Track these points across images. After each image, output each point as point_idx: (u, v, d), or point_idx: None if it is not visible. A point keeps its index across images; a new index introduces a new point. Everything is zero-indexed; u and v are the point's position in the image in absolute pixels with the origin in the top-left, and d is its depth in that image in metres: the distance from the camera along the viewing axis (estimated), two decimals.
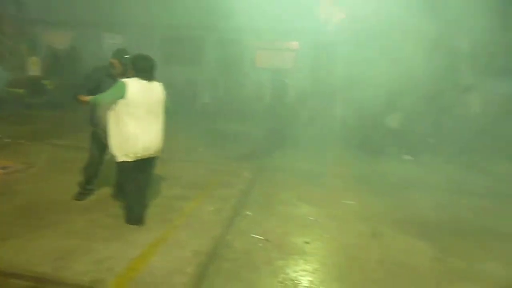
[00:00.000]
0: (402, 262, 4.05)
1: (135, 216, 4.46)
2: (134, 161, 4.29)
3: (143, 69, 4.26)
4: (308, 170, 7.40)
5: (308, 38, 14.92)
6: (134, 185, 4.44)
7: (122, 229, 4.29)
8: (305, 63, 15.02)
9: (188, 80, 14.75)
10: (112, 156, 4.33)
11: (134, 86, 4.16)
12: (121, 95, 4.11)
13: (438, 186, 7.11)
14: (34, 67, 14.43)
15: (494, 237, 4.89)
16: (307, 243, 4.35)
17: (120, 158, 4.26)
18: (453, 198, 6.41)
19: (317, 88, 13.53)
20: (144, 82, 4.24)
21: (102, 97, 4.18)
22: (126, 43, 14.91)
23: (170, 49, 15.65)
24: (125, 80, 4.19)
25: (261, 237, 4.35)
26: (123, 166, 4.31)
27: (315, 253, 4.13)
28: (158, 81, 4.42)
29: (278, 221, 4.90)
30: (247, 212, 5.08)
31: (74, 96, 4.57)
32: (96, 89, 4.57)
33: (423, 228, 4.99)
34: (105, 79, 4.71)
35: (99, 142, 4.85)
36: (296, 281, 3.57)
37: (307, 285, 3.54)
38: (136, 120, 4.19)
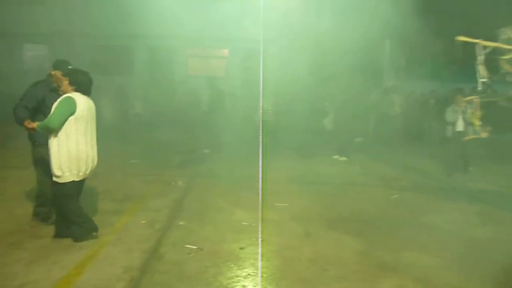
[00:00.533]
0: (332, 259, 4.21)
1: (88, 231, 4.28)
2: (79, 180, 4.13)
3: (84, 83, 4.11)
4: (243, 175, 7.47)
5: (238, 46, 15.09)
6: (76, 202, 4.25)
7: (47, 250, 4.07)
8: (236, 70, 15.16)
9: (118, 90, 14.30)
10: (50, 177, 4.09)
11: (80, 101, 4.00)
12: (72, 111, 3.92)
13: (366, 182, 7.50)
14: None
15: (416, 228, 5.23)
16: (241, 248, 4.38)
17: (68, 178, 4.04)
18: (379, 193, 6.79)
19: (249, 94, 13.69)
20: (85, 96, 4.11)
21: (54, 120, 3.87)
22: (51, 54, 14.17)
23: (99, 58, 15.09)
24: (71, 95, 3.99)
25: (194, 247, 4.32)
26: (69, 186, 4.08)
27: (249, 258, 4.17)
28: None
29: (213, 228, 4.90)
30: (181, 222, 5.02)
31: (18, 120, 4.20)
32: (39, 107, 4.25)
33: (353, 224, 5.22)
34: (48, 94, 4.36)
35: (44, 164, 4.31)
36: None
37: None
38: (83, 136, 4.04)
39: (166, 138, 10.50)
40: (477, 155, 9.09)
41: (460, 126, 8.04)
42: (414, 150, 10.96)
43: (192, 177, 7.17)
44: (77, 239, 4.25)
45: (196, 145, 9.76)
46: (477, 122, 6.80)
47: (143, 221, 4.99)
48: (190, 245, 4.36)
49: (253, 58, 14.80)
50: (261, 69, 14.37)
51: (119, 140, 9.97)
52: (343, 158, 9.61)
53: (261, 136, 11.09)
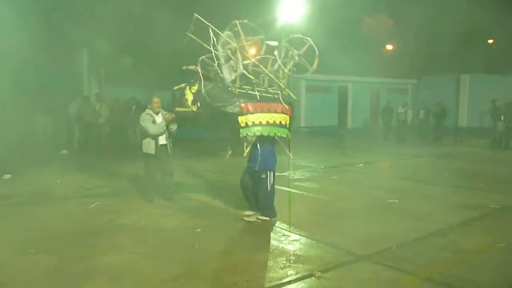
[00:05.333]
0: (21, 282, 3.88)
1: None
2: None
3: None
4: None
5: None
6: None
7: None
8: None
9: None
10: None
11: None
12: None
13: (65, 196, 7.24)
14: None
15: (113, 231, 5.41)
16: None
17: None
18: (79, 203, 6.67)
19: None
20: None
21: None
22: None
23: None
24: None
25: None
26: None
27: None
28: None
29: None
30: None
31: None
32: None
33: (46, 242, 4.93)
34: None
35: None
36: None
37: None
38: None
39: None
40: None
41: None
42: (122, 156, 11.32)
43: None
44: None
45: None
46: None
47: None
48: None
49: None
50: None
51: None
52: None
53: None
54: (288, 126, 5.79)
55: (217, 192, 7.41)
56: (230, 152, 6.12)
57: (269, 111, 5.66)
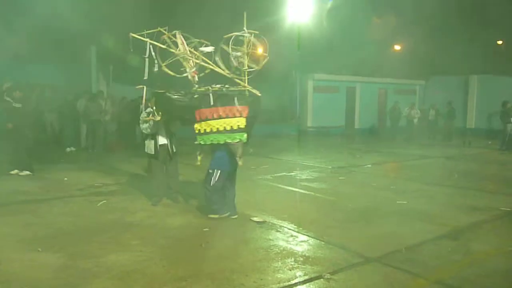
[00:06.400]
0: (28, 280, 3.87)
1: None
2: None
3: None
4: None
5: None
6: None
7: None
8: None
9: None
10: None
11: None
12: None
13: (72, 194, 7.24)
14: None
15: (120, 229, 5.40)
16: None
17: None
18: (86, 202, 6.67)
19: None
20: None
21: None
22: None
23: None
24: None
25: None
26: None
27: None
28: None
29: None
30: None
31: None
32: None
33: (53, 240, 4.92)
34: None
35: None
36: None
37: None
38: None
39: None
40: None
41: None
42: (129, 154, 11.33)
43: None
44: None
45: None
46: None
47: None
48: None
49: None
50: None
51: None
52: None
53: None
54: (243, 127, 5.73)
55: None
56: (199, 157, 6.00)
57: (221, 117, 5.68)
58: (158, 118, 6.02)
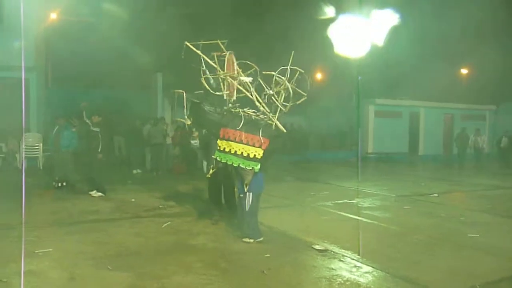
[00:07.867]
0: None
1: None
2: None
3: None
4: None
5: None
6: None
7: None
8: None
9: None
10: None
11: None
12: None
13: (139, 215, 7.53)
14: None
15: (184, 251, 5.53)
16: None
17: None
18: (151, 223, 6.91)
19: None
20: None
21: None
22: None
23: None
24: None
25: None
26: None
27: None
28: None
29: None
30: None
31: None
32: None
33: (122, 259, 5.14)
34: None
35: None
36: None
37: None
38: None
39: None
40: None
41: None
42: (192, 177, 11.67)
43: None
44: None
45: None
46: None
47: None
48: None
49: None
50: None
51: None
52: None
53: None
54: (259, 158, 5.85)
55: (284, 217, 7.34)
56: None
57: (241, 142, 5.87)
58: (189, 122, 6.40)
